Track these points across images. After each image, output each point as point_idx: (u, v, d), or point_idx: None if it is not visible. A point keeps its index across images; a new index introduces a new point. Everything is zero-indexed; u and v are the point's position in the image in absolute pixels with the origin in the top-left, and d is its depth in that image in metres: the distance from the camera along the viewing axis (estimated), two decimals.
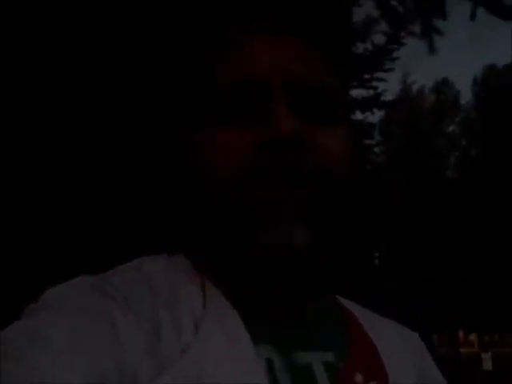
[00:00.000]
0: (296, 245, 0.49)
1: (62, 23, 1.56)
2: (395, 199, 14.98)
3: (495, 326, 19.97)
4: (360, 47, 4.69)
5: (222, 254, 0.53)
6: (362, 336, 0.57)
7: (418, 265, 16.38)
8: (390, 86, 5.51)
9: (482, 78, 23.01)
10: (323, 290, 0.58)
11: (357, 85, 4.45)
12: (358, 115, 4.92)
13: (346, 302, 0.63)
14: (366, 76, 4.65)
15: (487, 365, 15.41)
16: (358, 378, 0.52)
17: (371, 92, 4.91)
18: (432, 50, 3.33)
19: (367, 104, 4.90)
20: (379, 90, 4.96)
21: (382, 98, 5.10)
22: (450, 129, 24.09)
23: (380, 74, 4.80)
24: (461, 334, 23.23)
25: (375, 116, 28.97)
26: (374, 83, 4.81)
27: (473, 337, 24.05)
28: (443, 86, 24.22)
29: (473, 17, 2.95)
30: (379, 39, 4.82)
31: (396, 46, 4.65)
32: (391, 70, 4.86)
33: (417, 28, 3.32)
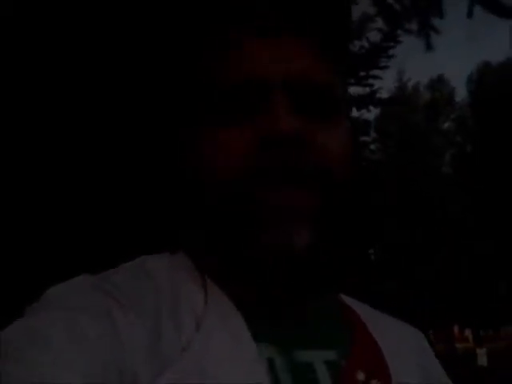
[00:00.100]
0: (296, 245, 0.49)
1: (62, 23, 1.56)
2: (393, 197, 14.98)
3: (490, 322, 20.04)
4: (356, 45, 4.69)
5: (222, 253, 0.53)
6: (365, 335, 0.57)
7: (418, 265, 16.38)
8: (385, 84, 5.52)
9: (477, 75, 23.03)
10: (323, 290, 0.58)
11: (353, 82, 4.45)
12: (354, 112, 4.93)
13: (349, 301, 0.63)
14: (362, 73, 4.65)
15: (482, 360, 15.47)
16: (360, 376, 0.52)
17: (367, 89, 4.92)
18: (429, 47, 3.33)
19: (363, 101, 4.90)
20: (375, 88, 4.97)
21: (378, 95, 5.11)
22: (445, 125, 24.13)
23: (376, 72, 4.80)
24: (456, 329, 23.29)
25: (371, 113, 29.08)
26: (370, 81, 4.81)
27: (467, 332, 24.13)
28: (438, 84, 24.23)
29: (470, 14, 2.95)
30: (375, 37, 4.82)
31: (392, 43, 4.64)
32: (387, 67, 4.87)
33: (413, 26, 3.32)
